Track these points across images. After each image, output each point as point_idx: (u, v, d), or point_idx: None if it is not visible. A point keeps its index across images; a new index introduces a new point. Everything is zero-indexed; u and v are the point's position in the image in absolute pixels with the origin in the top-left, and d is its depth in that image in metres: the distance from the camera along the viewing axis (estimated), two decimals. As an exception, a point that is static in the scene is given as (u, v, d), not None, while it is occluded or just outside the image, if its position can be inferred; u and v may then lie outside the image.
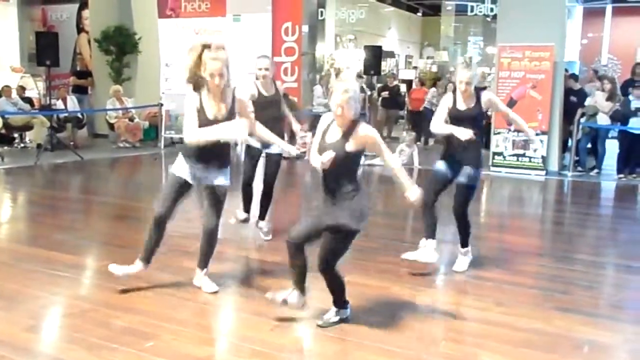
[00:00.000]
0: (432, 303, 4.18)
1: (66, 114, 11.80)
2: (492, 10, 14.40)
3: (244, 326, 3.73)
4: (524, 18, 9.79)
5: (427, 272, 4.68)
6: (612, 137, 10.63)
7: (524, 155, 9.87)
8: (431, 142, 12.69)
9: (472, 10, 15.50)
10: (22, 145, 11.89)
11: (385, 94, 13.89)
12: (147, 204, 7.41)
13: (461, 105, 4.53)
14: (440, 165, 4.62)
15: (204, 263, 4.17)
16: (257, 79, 5.30)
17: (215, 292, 4.12)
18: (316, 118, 13.31)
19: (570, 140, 10.13)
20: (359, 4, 17.27)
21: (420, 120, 13.07)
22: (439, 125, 4.55)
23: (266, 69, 5.20)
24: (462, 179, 4.55)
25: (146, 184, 9.08)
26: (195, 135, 3.79)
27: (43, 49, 11.10)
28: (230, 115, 3.85)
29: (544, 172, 9.76)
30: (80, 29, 15.35)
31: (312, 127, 5.21)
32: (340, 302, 3.64)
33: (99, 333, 3.46)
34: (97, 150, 11.55)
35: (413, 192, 3.44)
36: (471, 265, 4.85)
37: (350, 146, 3.34)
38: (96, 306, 3.87)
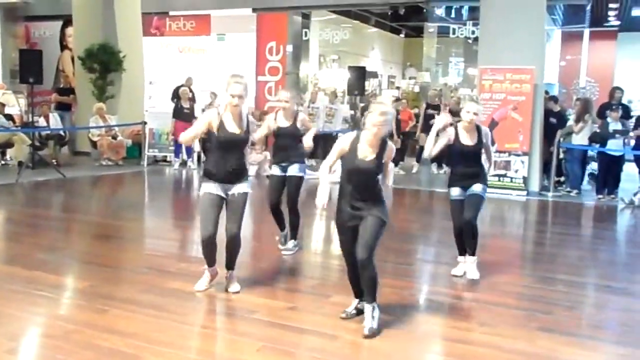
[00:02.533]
0: (414, 323, 4.18)
1: (48, 132, 11.71)
2: (473, 32, 14.60)
3: (229, 347, 3.71)
4: (505, 41, 9.98)
5: (409, 293, 4.69)
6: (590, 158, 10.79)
7: (505, 175, 10.00)
8: (415, 168, 12.35)
9: (454, 33, 15.68)
10: (2, 162, 11.76)
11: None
12: (130, 223, 7.39)
13: (465, 140, 4.90)
14: (456, 192, 5.03)
15: (229, 264, 4.56)
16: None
17: (238, 292, 4.50)
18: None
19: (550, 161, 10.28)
20: (343, 24, 17.42)
21: (406, 142, 13.04)
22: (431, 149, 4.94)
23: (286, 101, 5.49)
24: (476, 190, 4.95)
25: (129, 203, 9.02)
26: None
27: (26, 66, 11.05)
28: (246, 134, 4.41)
29: (525, 193, 9.89)
30: (63, 46, 15.33)
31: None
32: (375, 294, 3.87)
33: (83, 355, 3.42)
34: (79, 168, 11.46)
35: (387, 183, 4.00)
36: (453, 286, 4.96)
37: (382, 159, 3.84)
38: (80, 327, 3.83)
